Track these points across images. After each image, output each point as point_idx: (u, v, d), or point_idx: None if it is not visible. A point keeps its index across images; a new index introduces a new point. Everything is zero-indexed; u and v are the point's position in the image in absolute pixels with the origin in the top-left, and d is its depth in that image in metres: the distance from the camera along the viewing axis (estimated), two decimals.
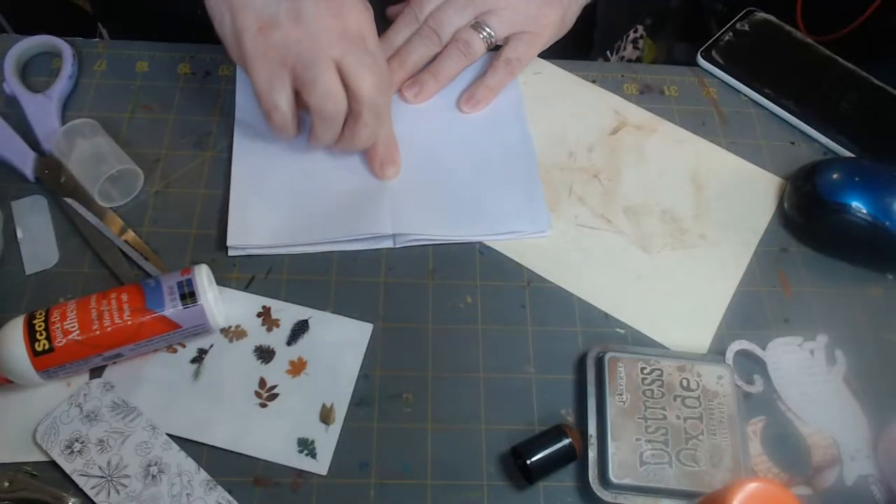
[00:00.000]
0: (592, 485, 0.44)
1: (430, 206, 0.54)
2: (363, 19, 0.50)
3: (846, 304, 0.52)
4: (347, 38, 0.48)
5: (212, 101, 0.58)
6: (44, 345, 0.43)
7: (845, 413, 0.48)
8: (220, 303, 0.48)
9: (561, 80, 0.62)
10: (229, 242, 0.51)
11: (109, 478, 0.44)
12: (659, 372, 0.47)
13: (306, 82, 0.48)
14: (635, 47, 0.83)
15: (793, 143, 0.60)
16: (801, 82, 0.61)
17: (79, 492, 0.43)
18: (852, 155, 0.58)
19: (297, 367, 0.48)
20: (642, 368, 0.47)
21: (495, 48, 0.59)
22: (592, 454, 0.45)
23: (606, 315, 0.51)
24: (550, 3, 0.58)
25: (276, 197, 0.53)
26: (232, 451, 0.45)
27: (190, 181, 0.55)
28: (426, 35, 0.57)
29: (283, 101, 0.49)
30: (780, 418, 0.48)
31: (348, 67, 0.48)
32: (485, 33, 0.57)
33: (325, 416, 0.46)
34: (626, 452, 0.45)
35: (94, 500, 0.43)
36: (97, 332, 0.44)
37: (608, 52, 0.77)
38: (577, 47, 0.65)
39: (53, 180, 0.53)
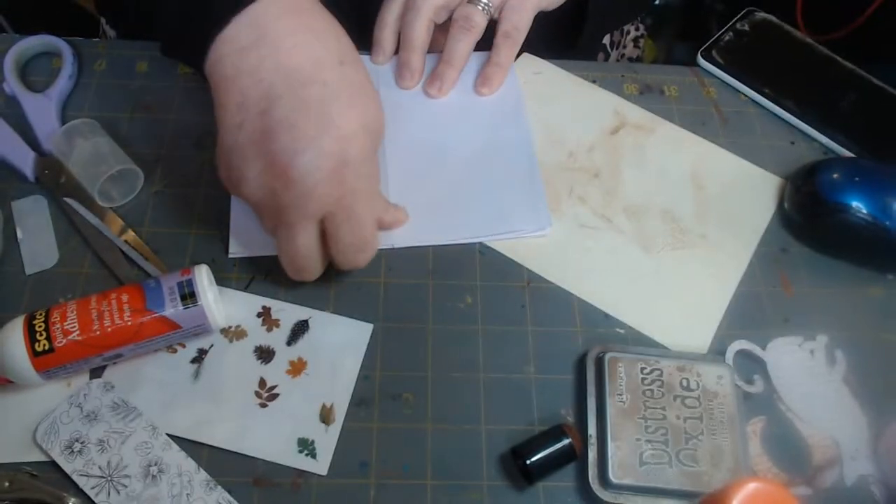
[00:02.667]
0: (592, 485, 0.44)
1: (431, 210, 0.54)
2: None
3: (846, 305, 0.52)
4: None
5: (211, 100, 0.58)
6: (44, 345, 0.43)
7: (845, 413, 0.48)
8: (220, 303, 0.48)
9: (561, 80, 0.62)
10: (231, 252, 0.51)
11: (109, 478, 0.44)
12: (659, 372, 0.47)
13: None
14: (636, 46, 0.83)
15: (793, 143, 0.60)
16: (802, 82, 0.61)
17: (79, 492, 0.43)
18: (852, 155, 0.58)
19: (297, 368, 0.48)
20: (642, 368, 0.47)
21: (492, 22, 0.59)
22: (592, 454, 0.45)
23: (606, 315, 0.51)
24: None
25: None
26: (232, 452, 0.45)
27: (190, 181, 0.55)
28: (410, 9, 0.56)
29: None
30: (781, 418, 0.48)
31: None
32: (482, 4, 0.57)
33: (325, 417, 0.46)
34: (626, 452, 0.45)
35: (94, 500, 0.43)
36: (97, 333, 0.44)
37: (608, 48, 0.77)
38: (567, 40, 0.65)
39: (53, 180, 0.53)
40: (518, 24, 0.58)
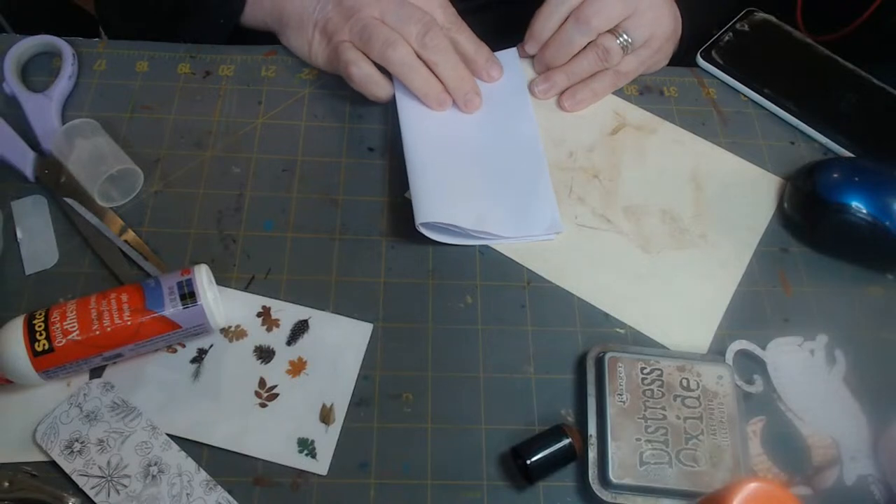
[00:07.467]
0: (592, 485, 0.44)
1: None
2: None
3: (846, 304, 0.52)
4: None
5: (212, 100, 0.58)
6: (44, 345, 0.43)
7: (845, 413, 0.48)
8: (219, 303, 0.48)
9: None
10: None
11: (109, 478, 0.44)
12: (659, 372, 0.47)
13: (364, 45, 0.54)
14: None
15: (793, 143, 0.60)
16: (801, 82, 0.61)
17: (79, 492, 0.43)
18: (852, 155, 0.58)
19: (296, 367, 0.48)
20: (642, 368, 0.47)
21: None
22: (592, 454, 0.45)
23: (606, 315, 0.51)
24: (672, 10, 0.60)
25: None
26: (232, 451, 0.45)
27: (190, 181, 0.55)
28: (579, 25, 0.57)
29: (363, 64, 0.55)
30: (780, 418, 0.48)
31: (391, 24, 0.54)
32: (622, 39, 0.57)
33: (325, 416, 0.46)
34: (625, 452, 0.45)
35: (94, 500, 0.43)
36: (97, 333, 0.44)
37: None
38: None
39: (53, 180, 0.53)
40: (631, 72, 0.60)
